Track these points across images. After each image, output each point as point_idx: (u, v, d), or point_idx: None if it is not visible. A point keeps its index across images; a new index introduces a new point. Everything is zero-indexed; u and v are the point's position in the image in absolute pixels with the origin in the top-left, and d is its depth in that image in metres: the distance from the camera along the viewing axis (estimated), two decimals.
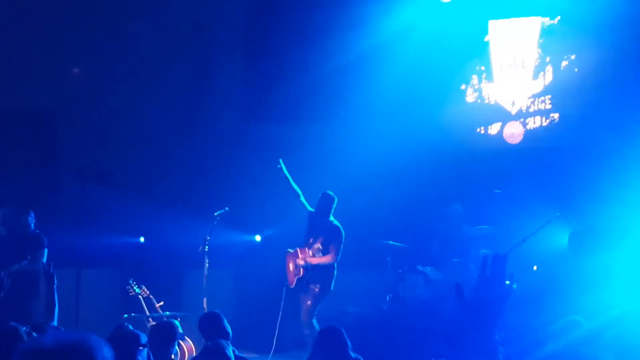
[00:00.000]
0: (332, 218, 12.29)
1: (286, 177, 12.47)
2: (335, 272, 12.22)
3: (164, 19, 16.25)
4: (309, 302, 12.14)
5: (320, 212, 12.27)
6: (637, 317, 10.29)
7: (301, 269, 12.17)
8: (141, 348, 6.75)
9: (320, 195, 12.32)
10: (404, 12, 15.03)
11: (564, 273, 11.66)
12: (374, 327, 12.86)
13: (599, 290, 10.49)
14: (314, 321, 12.08)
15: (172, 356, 10.96)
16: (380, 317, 13.24)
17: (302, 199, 12.48)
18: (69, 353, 2.73)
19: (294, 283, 12.29)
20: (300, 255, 12.24)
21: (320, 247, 12.14)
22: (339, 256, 12.16)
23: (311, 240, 12.28)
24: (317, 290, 12.15)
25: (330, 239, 12.19)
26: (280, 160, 12.49)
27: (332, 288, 12.25)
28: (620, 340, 8.98)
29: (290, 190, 12.51)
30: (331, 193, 12.29)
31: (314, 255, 12.18)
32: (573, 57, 14.81)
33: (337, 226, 12.24)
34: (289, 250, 12.48)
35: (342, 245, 12.21)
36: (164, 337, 8.22)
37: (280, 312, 12.55)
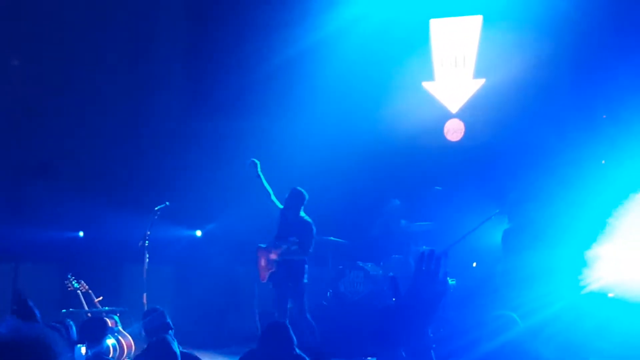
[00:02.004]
0: (302, 214, 12.27)
1: (258, 175, 12.39)
2: (307, 266, 12.22)
3: (106, 14, 16.13)
4: (294, 299, 12.14)
5: (289, 208, 12.24)
6: (577, 313, 10.43)
7: (274, 264, 12.09)
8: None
9: (289, 191, 12.29)
10: (345, 10, 15.07)
11: (503, 269, 11.74)
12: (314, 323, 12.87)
13: (539, 287, 10.58)
14: (308, 316, 12.11)
15: (110, 353, 10.90)
16: (320, 313, 13.24)
17: (273, 197, 12.42)
18: (28, 347, 2.60)
19: (266, 278, 12.22)
20: (273, 251, 12.16)
21: (293, 242, 12.04)
22: (311, 250, 12.16)
23: (283, 235, 12.20)
24: (292, 284, 12.12)
25: (301, 234, 12.14)
26: (256, 160, 12.44)
27: (306, 281, 12.21)
28: (561, 336, 9.10)
29: (262, 190, 12.43)
30: (300, 189, 12.27)
31: (286, 251, 12.09)
32: (514, 55, 14.91)
33: (308, 221, 12.23)
34: (261, 245, 12.40)
35: (313, 240, 12.22)
36: (95, 332, 8.20)
37: (256, 308, 12.65)
